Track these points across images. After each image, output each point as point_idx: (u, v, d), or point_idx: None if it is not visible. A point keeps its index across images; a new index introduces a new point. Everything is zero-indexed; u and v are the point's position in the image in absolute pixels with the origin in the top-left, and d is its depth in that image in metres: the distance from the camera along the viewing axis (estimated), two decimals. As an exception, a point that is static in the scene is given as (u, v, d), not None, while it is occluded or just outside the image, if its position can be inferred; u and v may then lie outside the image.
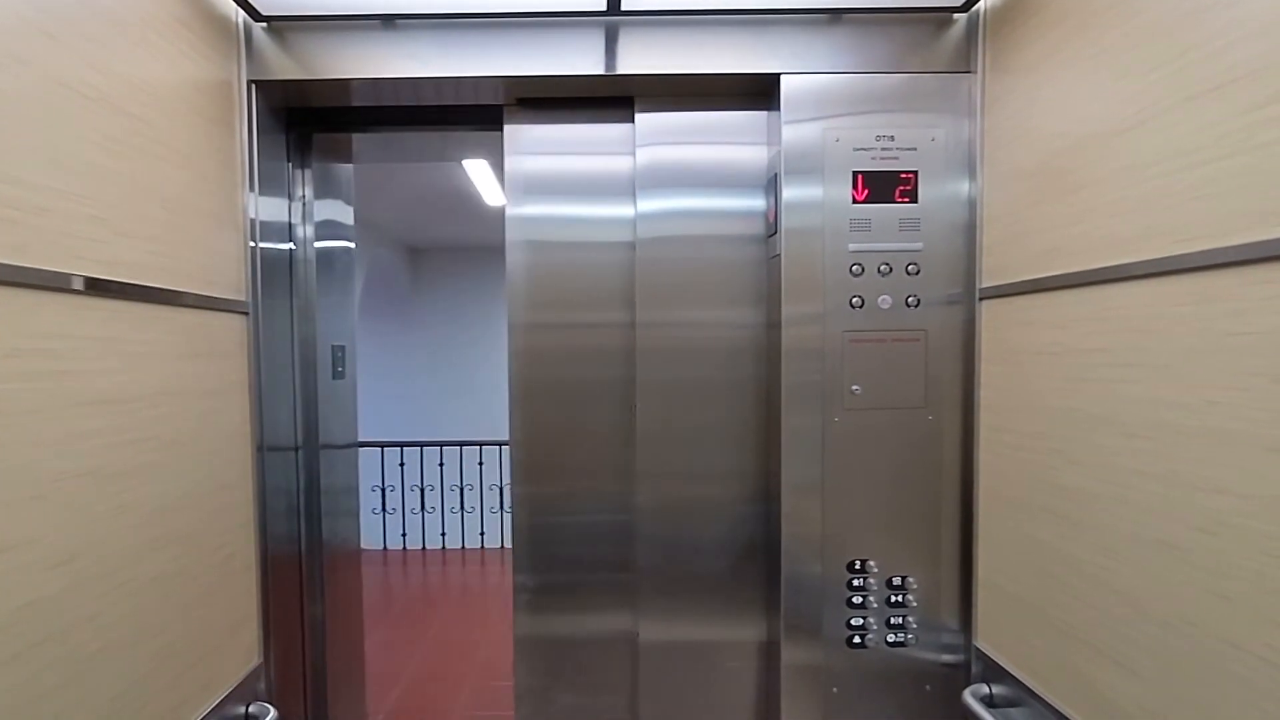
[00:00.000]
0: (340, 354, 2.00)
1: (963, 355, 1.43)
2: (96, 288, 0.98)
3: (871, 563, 1.44)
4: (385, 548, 6.05)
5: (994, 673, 1.34)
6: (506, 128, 1.54)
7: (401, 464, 6.04)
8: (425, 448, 6.09)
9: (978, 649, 1.40)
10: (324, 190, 1.69)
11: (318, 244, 1.65)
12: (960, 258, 1.42)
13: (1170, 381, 0.94)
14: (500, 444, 6.07)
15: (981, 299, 1.39)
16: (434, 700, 3.24)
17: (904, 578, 1.44)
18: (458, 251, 7.92)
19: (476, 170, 4.38)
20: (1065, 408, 1.14)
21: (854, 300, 1.42)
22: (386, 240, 6.92)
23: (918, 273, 1.42)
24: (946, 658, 1.45)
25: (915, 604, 1.44)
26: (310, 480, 1.72)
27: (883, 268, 1.42)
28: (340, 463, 1.92)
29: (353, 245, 1.91)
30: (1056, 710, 1.16)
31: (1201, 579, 0.89)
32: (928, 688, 1.45)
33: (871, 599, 1.44)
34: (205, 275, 1.26)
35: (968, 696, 1.32)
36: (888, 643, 1.45)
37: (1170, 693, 0.94)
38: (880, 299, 1.42)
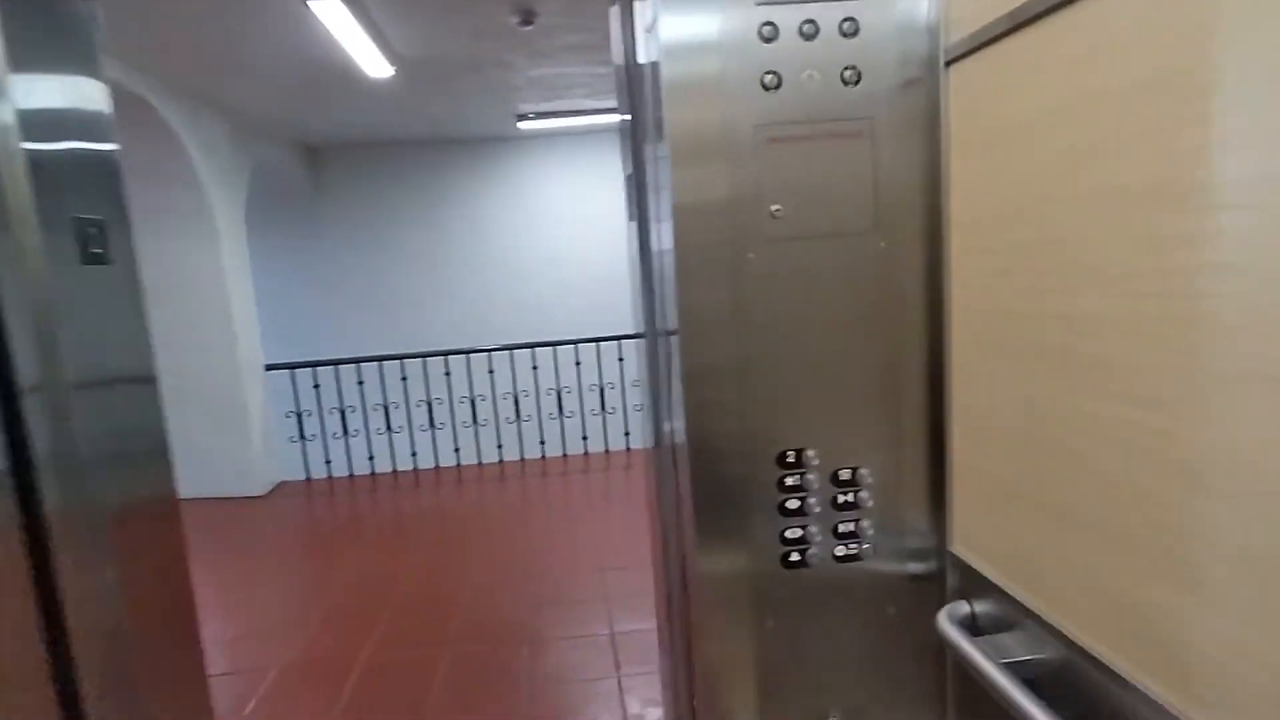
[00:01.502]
0: (96, 231, 1.47)
1: (924, 152, 0.99)
2: None
3: (810, 453, 1.05)
4: (331, 475, 5.60)
5: (976, 586, 0.99)
6: None
7: (356, 383, 5.52)
8: (363, 365, 5.56)
9: (954, 556, 1.04)
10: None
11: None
12: (916, 8, 0.96)
13: None
14: (451, 353, 5.58)
15: (949, 63, 0.94)
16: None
17: (854, 470, 1.06)
18: (362, 150, 7.11)
19: (333, 17, 3.55)
20: (1076, 195, 0.72)
21: (766, 79, 0.96)
22: (273, 137, 6.10)
23: (855, 33, 0.96)
24: (914, 569, 1.09)
25: (870, 503, 1.07)
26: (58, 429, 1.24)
27: (806, 27, 0.96)
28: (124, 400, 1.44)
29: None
30: (1063, 634, 0.80)
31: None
32: (891, 610, 1.10)
33: (813, 501, 1.06)
34: None
35: (943, 620, 0.96)
36: (836, 557, 1.08)
37: (1251, 620, 0.57)
38: (805, 74, 0.96)
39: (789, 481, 1.06)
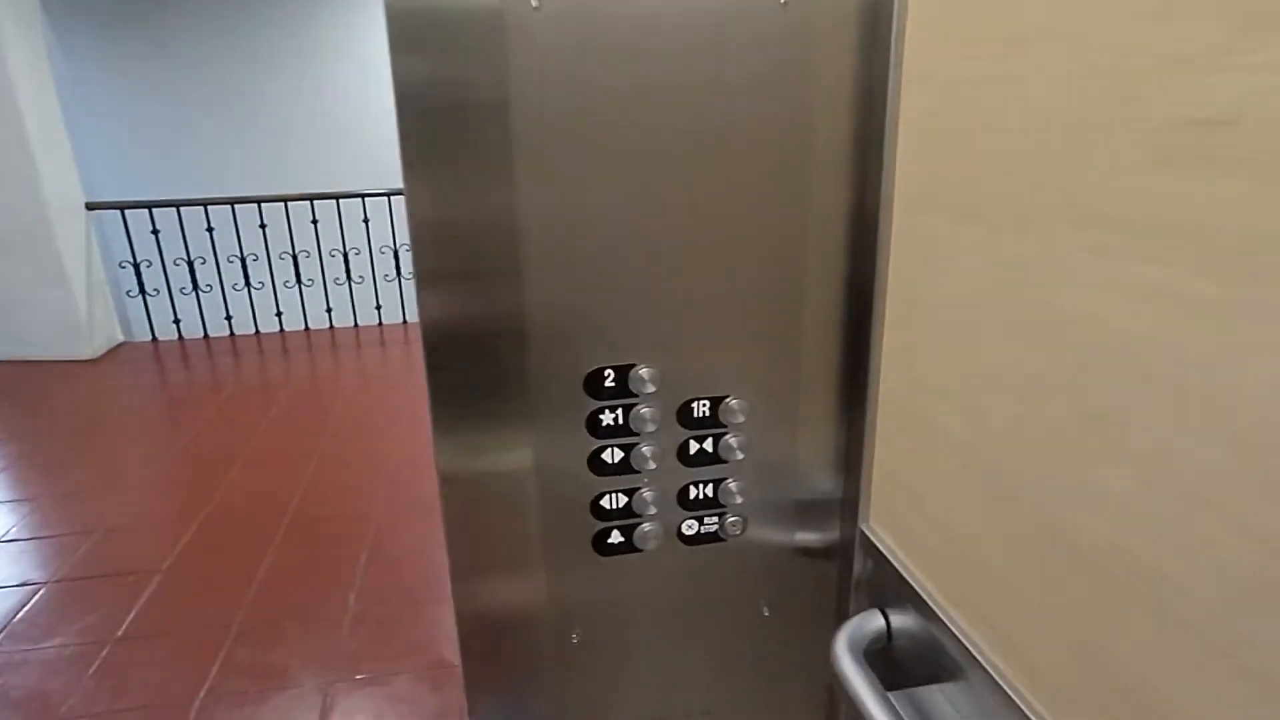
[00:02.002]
0: None
1: None
2: None
3: (644, 374, 0.61)
4: (154, 337, 4.89)
5: (893, 588, 0.60)
6: None
7: (210, 229, 4.69)
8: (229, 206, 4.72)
9: (865, 537, 0.65)
10: None
11: None
12: None
13: None
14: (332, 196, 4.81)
15: None
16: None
17: (716, 402, 0.63)
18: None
19: None
20: None
21: None
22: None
23: None
24: (802, 556, 0.70)
25: (740, 455, 0.65)
26: None
27: None
28: None
29: None
30: (1015, 699, 0.43)
31: None
32: (765, 613, 0.71)
33: (647, 451, 0.63)
34: None
35: (841, 649, 0.58)
36: (683, 536, 0.67)
37: None
38: None
39: (606, 419, 0.62)
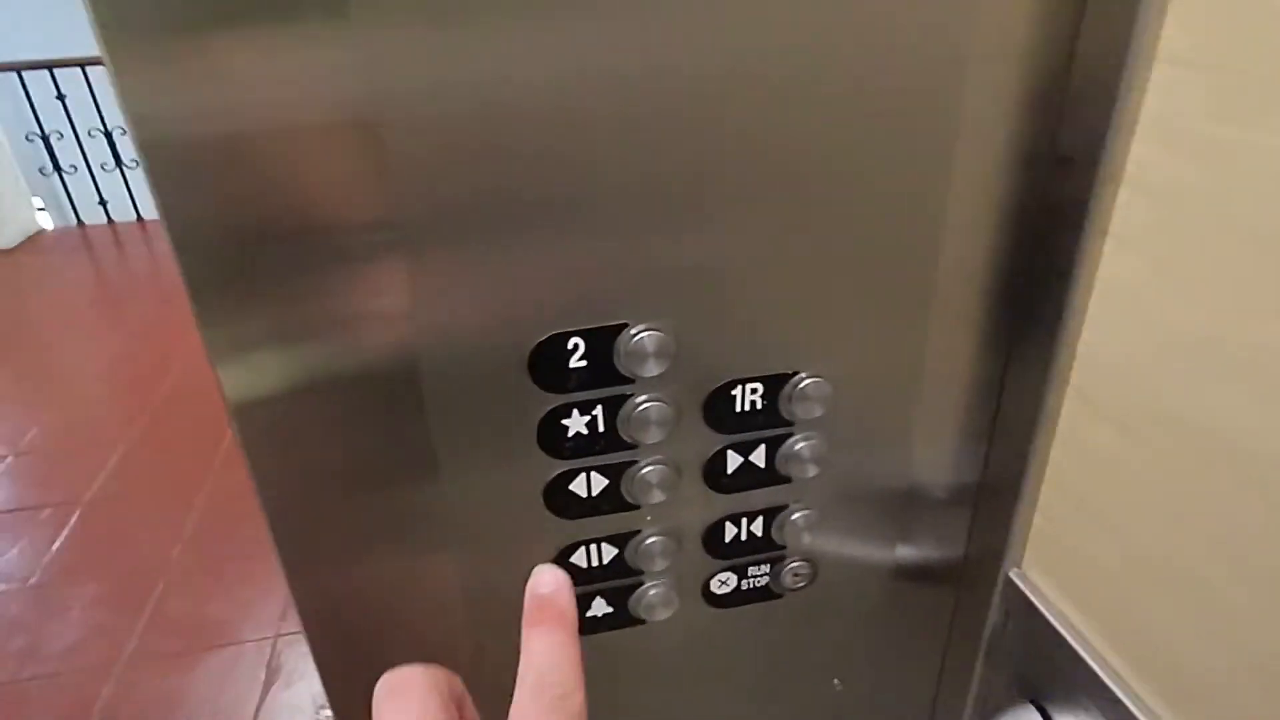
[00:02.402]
0: None
1: None
2: None
3: (645, 338, 0.31)
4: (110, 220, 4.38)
5: (1062, 671, 0.35)
6: None
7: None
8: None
9: (1014, 587, 0.39)
10: None
11: None
12: None
13: None
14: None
15: None
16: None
17: (780, 382, 0.34)
18: None
19: None
20: None
21: None
22: None
23: None
24: (895, 612, 0.44)
25: (815, 468, 0.36)
26: None
27: None
28: None
29: None
30: None
31: None
32: (837, 685, 0.45)
33: (651, 474, 0.35)
34: None
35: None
36: (713, 596, 0.40)
37: None
38: None
39: (573, 425, 0.33)
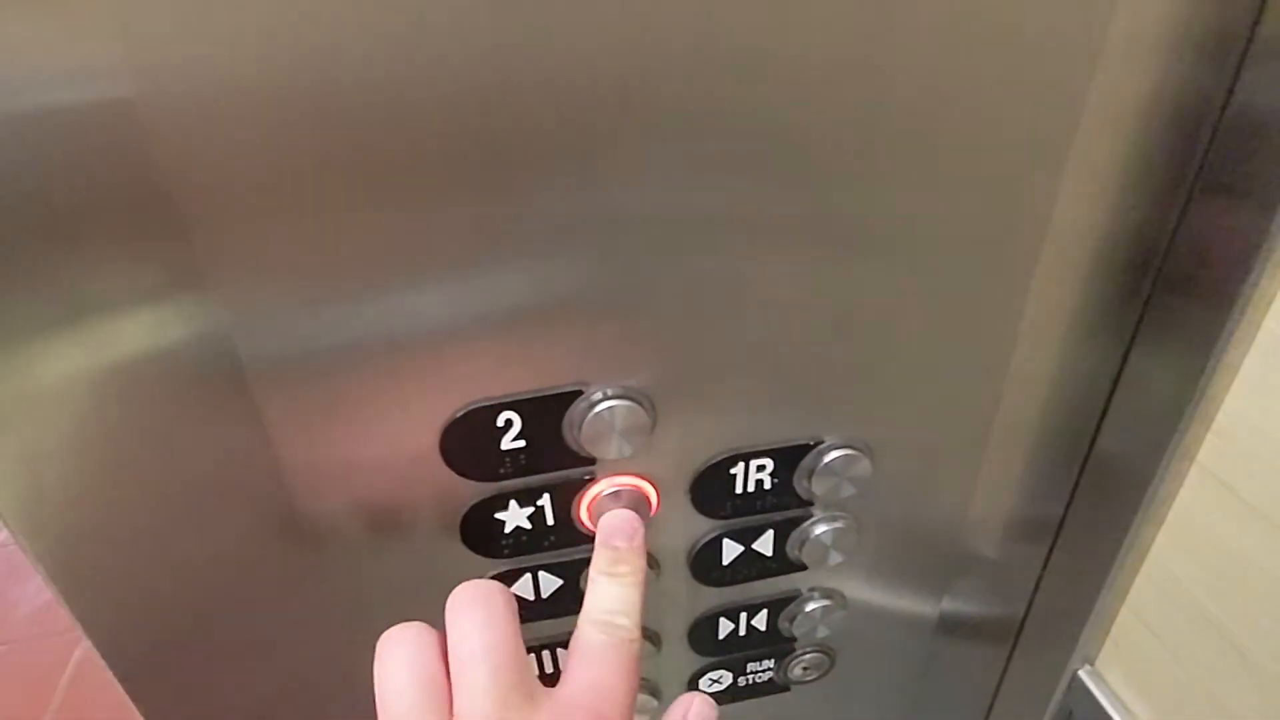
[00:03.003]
0: None
1: None
2: None
3: (607, 407, 0.22)
4: None
5: None
6: None
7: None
8: None
9: (1083, 684, 0.30)
10: None
11: None
12: None
13: None
14: None
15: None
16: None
17: (799, 455, 0.25)
18: None
19: None
20: None
21: None
22: None
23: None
24: (928, 703, 0.35)
25: (840, 556, 0.28)
26: None
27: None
28: None
29: None
30: None
31: None
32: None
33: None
34: None
35: None
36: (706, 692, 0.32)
37: None
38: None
39: (510, 519, 0.24)
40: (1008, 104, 0.19)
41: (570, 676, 0.20)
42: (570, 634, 0.27)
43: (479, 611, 0.20)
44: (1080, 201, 0.21)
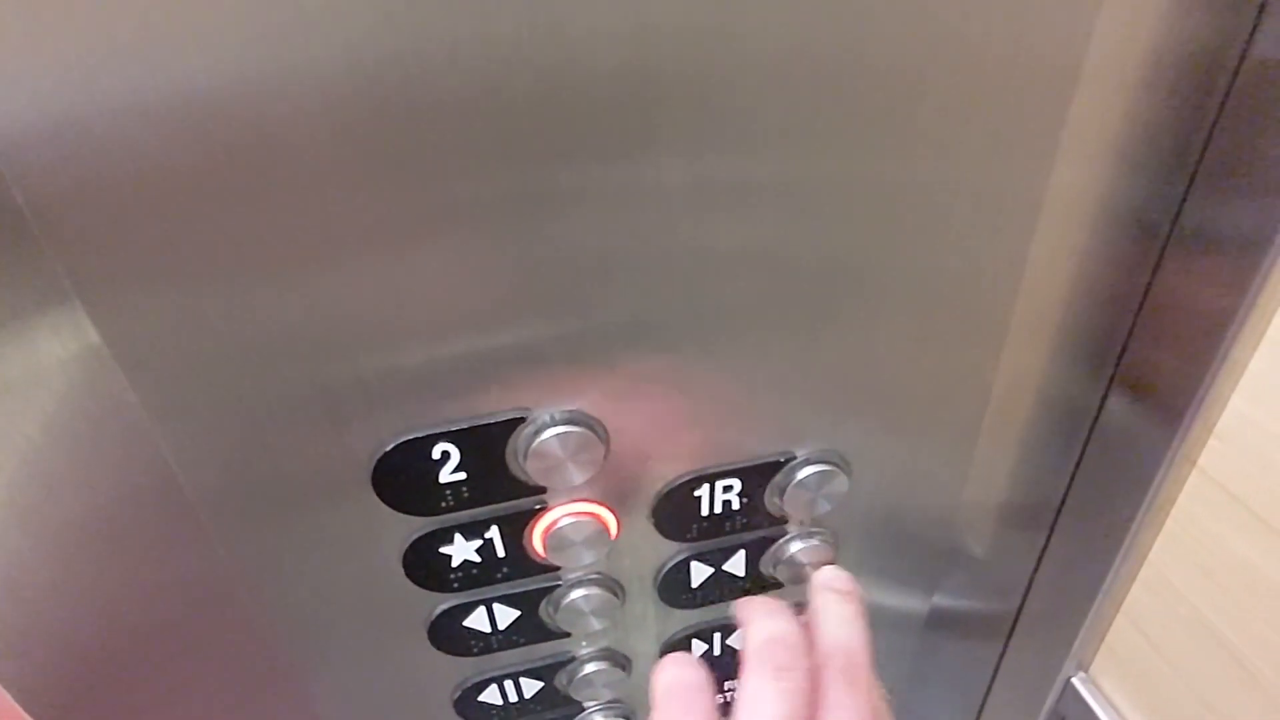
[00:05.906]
0: None
1: None
2: None
3: (553, 435, 0.20)
4: None
5: None
6: None
7: None
8: None
9: (1076, 691, 0.29)
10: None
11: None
12: None
13: None
14: None
15: None
16: None
17: (771, 471, 0.23)
18: None
19: None
20: None
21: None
22: None
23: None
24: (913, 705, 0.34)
25: (820, 567, 0.26)
26: None
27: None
28: None
29: None
30: None
31: None
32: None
33: (581, 600, 0.24)
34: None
35: None
36: None
37: None
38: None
39: (458, 552, 0.22)
40: (996, 91, 0.17)
41: None
42: (538, 661, 0.26)
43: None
44: (1074, 191, 0.19)
